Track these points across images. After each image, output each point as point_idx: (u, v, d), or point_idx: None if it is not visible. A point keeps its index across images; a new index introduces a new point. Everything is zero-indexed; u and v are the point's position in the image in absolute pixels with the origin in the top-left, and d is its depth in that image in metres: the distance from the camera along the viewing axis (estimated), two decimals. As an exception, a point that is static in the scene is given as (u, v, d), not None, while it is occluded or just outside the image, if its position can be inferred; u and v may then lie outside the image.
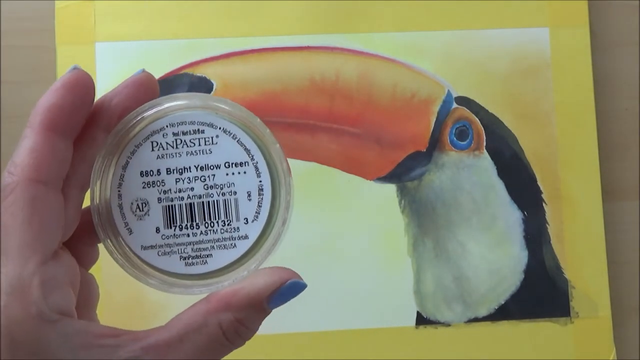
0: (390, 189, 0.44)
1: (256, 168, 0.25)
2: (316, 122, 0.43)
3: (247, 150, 0.25)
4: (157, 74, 0.43)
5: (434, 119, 0.44)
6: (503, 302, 0.43)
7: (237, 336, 0.24)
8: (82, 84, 0.24)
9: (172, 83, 0.43)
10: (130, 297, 0.41)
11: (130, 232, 0.25)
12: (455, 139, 0.44)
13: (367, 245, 0.43)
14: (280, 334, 0.42)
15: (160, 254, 0.25)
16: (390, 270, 0.43)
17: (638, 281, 0.44)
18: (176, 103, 0.25)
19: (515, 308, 0.43)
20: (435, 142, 0.44)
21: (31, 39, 0.44)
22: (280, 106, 0.43)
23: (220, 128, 0.25)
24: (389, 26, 0.45)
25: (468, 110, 0.44)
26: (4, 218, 0.22)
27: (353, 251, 0.43)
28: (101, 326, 0.23)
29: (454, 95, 0.44)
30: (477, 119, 0.44)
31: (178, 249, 0.25)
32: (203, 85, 0.43)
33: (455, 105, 0.44)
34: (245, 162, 0.25)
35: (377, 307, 0.43)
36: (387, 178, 0.44)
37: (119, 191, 0.25)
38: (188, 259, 0.25)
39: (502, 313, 0.43)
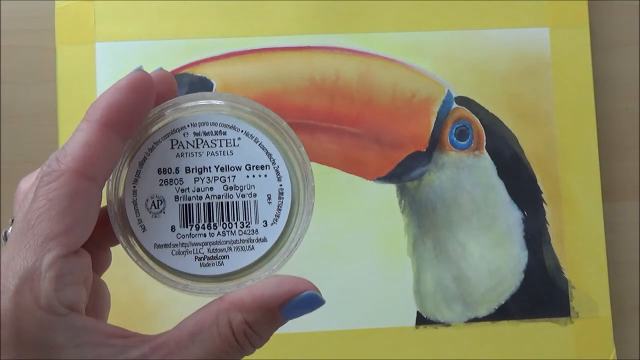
0: (390, 189, 0.44)
1: (277, 172, 0.25)
2: (316, 122, 0.43)
3: (269, 154, 0.25)
4: (157, 74, 0.43)
5: (434, 119, 0.44)
6: (503, 302, 0.43)
7: (245, 340, 0.23)
8: (146, 85, 0.24)
9: (172, 83, 0.43)
10: (131, 296, 0.41)
11: (144, 229, 0.24)
12: (455, 139, 0.44)
13: (367, 245, 0.43)
14: (281, 334, 0.42)
15: (174, 253, 0.24)
16: (390, 270, 0.43)
17: (638, 281, 0.44)
18: (198, 103, 0.25)
19: (515, 308, 0.43)
20: (435, 142, 0.44)
21: (31, 39, 0.44)
22: (280, 106, 0.43)
23: (242, 131, 0.25)
24: (389, 26, 0.45)
25: (468, 110, 0.44)
26: (41, 203, 0.22)
27: (353, 251, 0.43)
28: (111, 326, 0.23)
29: (454, 95, 0.44)
30: (477, 119, 0.44)
31: (193, 249, 0.24)
32: (203, 86, 0.43)
33: (455, 105, 0.44)
34: (266, 166, 0.25)
35: (377, 307, 0.43)
36: (387, 178, 0.44)
37: (134, 187, 0.24)
38: (203, 259, 0.24)
39: (502, 313, 0.43)
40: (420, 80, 0.44)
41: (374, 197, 0.43)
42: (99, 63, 0.43)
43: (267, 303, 0.23)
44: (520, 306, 0.43)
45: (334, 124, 0.43)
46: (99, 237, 0.24)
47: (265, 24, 0.44)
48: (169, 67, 0.43)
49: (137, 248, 0.24)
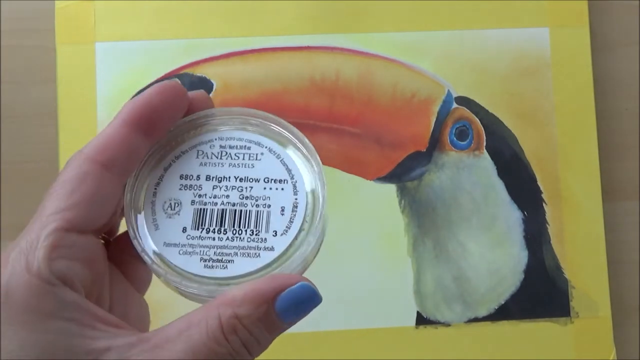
0: (390, 189, 0.44)
1: (294, 187, 0.25)
2: (316, 122, 0.43)
3: (289, 170, 0.26)
4: (158, 74, 0.43)
5: (434, 119, 0.44)
6: (503, 302, 0.43)
7: (236, 339, 0.22)
8: (174, 91, 0.25)
9: (172, 83, 0.43)
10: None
11: (157, 227, 0.25)
12: (455, 139, 0.44)
13: (367, 245, 0.43)
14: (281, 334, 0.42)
15: (181, 252, 0.25)
16: (390, 270, 0.43)
17: (638, 281, 0.44)
18: (225, 118, 0.26)
19: (515, 308, 0.43)
20: (435, 142, 0.44)
21: (31, 39, 0.44)
22: (280, 106, 0.43)
23: (266, 147, 0.26)
24: (389, 26, 0.45)
25: (468, 110, 0.44)
26: (55, 185, 0.23)
27: (353, 251, 0.43)
28: (107, 314, 0.22)
29: (454, 95, 0.44)
30: (477, 119, 0.44)
31: (200, 251, 0.25)
32: (203, 86, 0.43)
33: (455, 105, 0.44)
34: (284, 180, 0.25)
35: (377, 307, 0.43)
36: (387, 178, 0.44)
37: (155, 189, 0.25)
38: (208, 261, 0.24)
39: (502, 313, 0.43)
40: (420, 80, 0.44)
41: (374, 197, 0.43)
42: (99, 63, 0.43)
43: (258, 295, 0.22)
44: (520, 306, 0.43)
45: (334, 124, 0.43)
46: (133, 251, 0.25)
47: (265, 24, 0.44)
48: (169, 67, 0.43)
49: (145, 243, 0.25)
